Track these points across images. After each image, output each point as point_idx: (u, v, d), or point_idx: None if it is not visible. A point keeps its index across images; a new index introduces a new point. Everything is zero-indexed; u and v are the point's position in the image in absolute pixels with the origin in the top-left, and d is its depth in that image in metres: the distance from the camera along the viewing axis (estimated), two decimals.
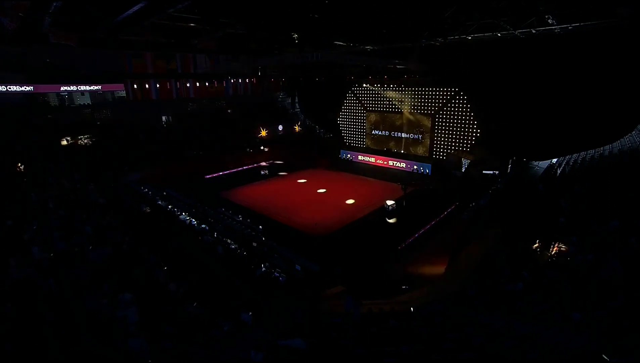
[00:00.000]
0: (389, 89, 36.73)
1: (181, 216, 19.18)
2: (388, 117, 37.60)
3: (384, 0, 15.32)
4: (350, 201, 23.97)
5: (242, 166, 34.55)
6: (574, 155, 24.76)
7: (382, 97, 37.87)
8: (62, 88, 31.75)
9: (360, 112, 40.62)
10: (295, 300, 11.80)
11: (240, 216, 20.38)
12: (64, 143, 28.13)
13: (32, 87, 30.05)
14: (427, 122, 34.25)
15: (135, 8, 12.45)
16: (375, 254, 16.50)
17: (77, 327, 6.69)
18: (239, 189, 28.41)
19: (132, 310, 7.69)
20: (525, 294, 9.18)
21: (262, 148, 38.32)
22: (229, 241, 16.19)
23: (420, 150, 35.41)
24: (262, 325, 8.88)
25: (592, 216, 12.30)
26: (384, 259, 16.17)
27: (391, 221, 21.35)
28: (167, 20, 15.47)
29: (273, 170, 33.64)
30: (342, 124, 43.22)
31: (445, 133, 33.56)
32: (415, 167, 33.23)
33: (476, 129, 31.30)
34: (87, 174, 22.52)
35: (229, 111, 43.03)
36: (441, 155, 34.01)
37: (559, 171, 23.23)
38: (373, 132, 39.55)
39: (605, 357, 5.07)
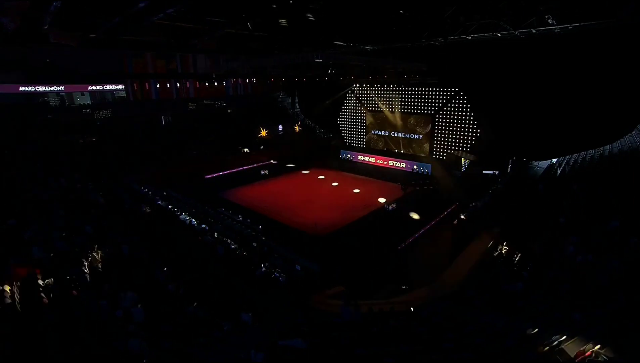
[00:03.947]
0: (389, 89, 36.72)
1: (181, 216, 19.18)
2: (388, 118, 37.59)
3: (384, 0, 15.32)
4: (357, 190, 24.19)
5: (242, 166, 34.55)
6: (574, 155, 24.76)
7: (382, 97, 37.86)
8: (89, 88, 32.82)
9: (360, 112, 40.61)
10: (295, 299, 11.80)
11: (240, 216, 20.37)
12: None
13: (62, 87, 30.86)
14: (427, 122, 34.25)
15: (135, 8, 12.44)
16: (375, 254, 16.50)
17: (77, 327, 6.69)
18: (239, 189, 28.40)
19: (137, 309, 7.71)
20: (525, 294, 9.18)
21: (262, 147, 38.31)
22: (229, 241, 16.18)
23: (420, 150, 35.41)
24: (262, 325, 8.88)
25: (592, 216, 12.31)
26: (384, 259, 16.17)
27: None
28: (167, 20, 15.45)
29: (273, 170, 33.63)
30: (342, 124, 43.21)
31: (445, 133, 33.56)
32: (415, 167, 33.22)
33: (476, 129, 31.29)
34: (87, 174, 22.51)
35: (229, 111, 43.02)
36: (441, 155, 34.01)
37: (559, 171, 23.23)
38: (373, 132, 39.54)
39: (605, 357, 5.07)
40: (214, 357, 7.08)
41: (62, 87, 31.02)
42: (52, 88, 30.41)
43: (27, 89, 28.84)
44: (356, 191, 27.62)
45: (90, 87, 32.85)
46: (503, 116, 27.80)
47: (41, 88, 29.64)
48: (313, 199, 25.52)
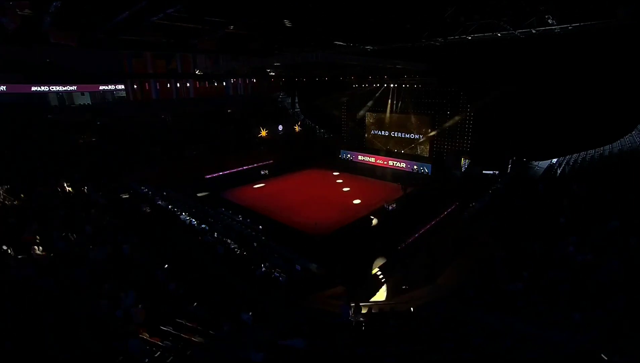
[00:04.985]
0: (389, 89, 36.72)
1: (181, 216, 19.18)
2: (388, 117, 37.60)
3: (384, 1, 15.32)
4: (357, 201, 24.31)
5: (242, 166, 34.53)
6: (574, 155, 24.76)
7: (382, 97, 37.86)
8: (100, 88, 33.56)
9: (360, 113, 40.58)
10: (295, 299, 11.80)
11: (240, 216, 20.37)
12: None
13: (75, 87, 31.34)
14: (427, 122, 34.25)
15: (135, 8, 12.46)
16: (376, 254, 16.50)
17: (77, 327, 6.69)
18: (239, 189, 28.40)
19: (137, 309, 7.70)
20: (525, 294, 9.18)
21: (262, 147, 38.30)
22: (229, 241, 16.17)
23: (421, 150, 35.41)
24: (262, 325, 8.88)
25: (592, 216, 12.31)
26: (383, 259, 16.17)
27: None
28: (167, 20, 15.47)
29: (273, 170, 33.62)
30: (342, 124, 43.20)
31: (445, 133, 33.55)
32: (415, 167, 33.22)
33: (476, 129, 31.27)
34: (87, 174, 22.51)
35: (229, 111, 43.01)
36: (441, 155, 33.99)
37: (559, 171, 23.25)
38: (373, 132, 39.54)
39: (604, 357, 5.08)
40: (214, 357, 7.08)
41: (75, 87, 31.40)
42: (66, 88, 30.75)
43: (39, 89, 29.07)
44: (355, 191, 27.61)
45: (101, 87, 33.48)
46: (504, 115, 27.80)
47: (55, 88, 29.99)
48: (313, 199, 25.53)
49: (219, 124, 39.19)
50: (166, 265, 11.28)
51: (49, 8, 11.67)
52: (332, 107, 43.12)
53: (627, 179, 14.71)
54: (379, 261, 14.33)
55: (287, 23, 16.90)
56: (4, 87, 26.93)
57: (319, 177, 32.38)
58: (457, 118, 32.17)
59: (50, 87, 29.48)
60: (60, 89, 30.35)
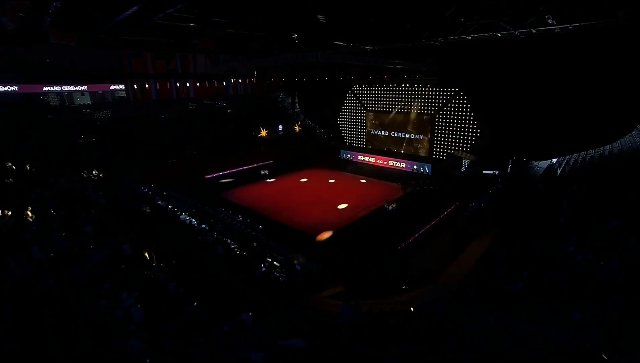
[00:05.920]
0: (389, 89, 36.76)
1: (181, 216, 19.18)
2: (388, 117, 37.60)
3: (384, 1, 15.34)
4: (342, 206, 23.91)
5: (242, 166, 34.54)
6: (574, 155, 24.77)
7: (382, 97, 37.88)
8: (111, 87, 34.02)
9: (360, 112, 40.62)
10: (295, 299, 11.79)
11: (240, 216, 20.37)
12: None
13: (85, 87, 31.79)
14: (427, 122, 34.25)
15: (134, 9, 12.47)
16: (375, 254, 16.50)
17: (77, 327, 6.69)
18: (239, 189, 28.40)
19: (136, 309, 7.70)
20: (525, 294, 9.17)
21: (262, 147, 38.31)
22: (229, 241, 16.17)
23: (420, 150, 35.42)
24: (262, 325, 8.88)
25: (592, 216, 12.31)
26: (384, 259, 16.16)
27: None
28: (167, 20, 15.49)
29: (273, 170, 33.63)
30: (342, 124, 43.23)
31: (445, 133, 33.57)
32: (415, 167, 33.22)
33: (476, 129, 31.30)
34: (87, 174, 22.50)
35: (229, 111, 43.03)
36: (441, 155, 34.02)
37: (559, 171, 23.25)
38: (373, 132, 39.54)
39: (604, 357, 5.08)
40: (214, 357, 7.08)
41: (85, 87, 31.84)
42: (77, 88, 31.21)
43: (52, 89, 29.21)
44: (355, 191, 27.59)
45: (112, 87, 33.94)
46: (503, 115, 27.82)
47: (66, 88, 30.37)
48: (313, 199, 25.52)
49: (219, 124, 39.20)
50: (165, 267, 11.27)
51: (49, 8, 11.68)
52: (332, 107, 43.15)
53: (627, 179, 14.71)
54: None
55: (288, 23, 16.92)
56: (16, 87, 26.99)
57: (319, 177, 32.36)
58: (456, 118, 32.17)
59: (62, 87, 29.74)
60: (72, 88, 30.67)
